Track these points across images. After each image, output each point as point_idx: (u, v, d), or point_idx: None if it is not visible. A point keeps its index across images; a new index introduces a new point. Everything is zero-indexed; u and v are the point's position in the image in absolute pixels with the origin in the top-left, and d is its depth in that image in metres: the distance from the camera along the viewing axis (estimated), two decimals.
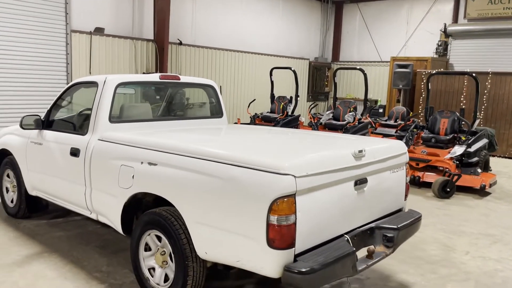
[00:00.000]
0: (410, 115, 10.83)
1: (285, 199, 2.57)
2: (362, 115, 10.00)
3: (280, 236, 2.57)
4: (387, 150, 3.47)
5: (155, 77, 4.38)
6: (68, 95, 4.61)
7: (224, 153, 2.87)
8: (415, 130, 8.96)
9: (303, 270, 2.55)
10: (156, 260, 3.35)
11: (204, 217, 2.92)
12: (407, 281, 3.97)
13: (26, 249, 4.28)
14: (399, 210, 3.75)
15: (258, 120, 11.04)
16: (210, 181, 2.86)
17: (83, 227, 4.94)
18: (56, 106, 4.61)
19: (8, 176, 5.19)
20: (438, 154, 7.75)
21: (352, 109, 9.89)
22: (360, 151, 3.11)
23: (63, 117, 4.58)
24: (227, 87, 14.09)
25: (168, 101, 5.03)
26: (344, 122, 9.71)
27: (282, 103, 11.01)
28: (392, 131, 10.38)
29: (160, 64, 11.62)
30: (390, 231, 3.29)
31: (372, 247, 3.16)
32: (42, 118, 4.53)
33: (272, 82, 11.65)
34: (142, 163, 3.36)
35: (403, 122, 10.23)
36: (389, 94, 15.03)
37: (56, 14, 9.97)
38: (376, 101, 16.62)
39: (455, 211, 6.37)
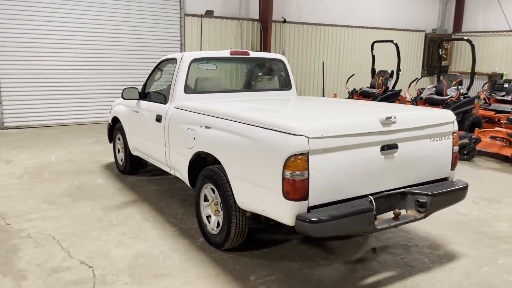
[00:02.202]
0: None
1: (299, 157, 2.91)
2: (468, 89, 9.33)
3: (293, 189, 2.93)
4: (427, 119, 3.51)
5: (226, 53, 4.91)
6: (158, 70, 5.42)
7: (255, 117, 3.30)
8: None
9: (312, 219, 2.88)
10: (211, 209, 3.95)
11: (240, 172, 3.40)
12: (457, 252, 3.96)
13: (125, 197, 5.25)
14: (445, 179, 3.76)
15: (356, 95, 11.01)
16: (245, 141, 3.32)
17: (173, 184, 5.80)
18: (150, 80, 5.46)
19: (119, 139, 6.28)
20: None
21: (455, 83, 9.30)
22: (388, 118, 3.25)
23: (155, 89, 5.40)
24: (330, 63, 14.16)
25: (247, 75, 5.55)
26: (446, 97, 9.21)
27: (381, 78, 10.79)
28: (508, 107, 9.56)
29: (264, 42, 12.22)
30: (423, 196, 3.38)
31: (398, 210, 3.29)
32: (139, 90, 5.42)
33: (373, 56, 11.44)
34: (201, 126, 3.95)
35: None
36: None
37: (172, 0, 11.15)
38: (501, 75, 15.07)
39: None
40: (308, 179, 2.94)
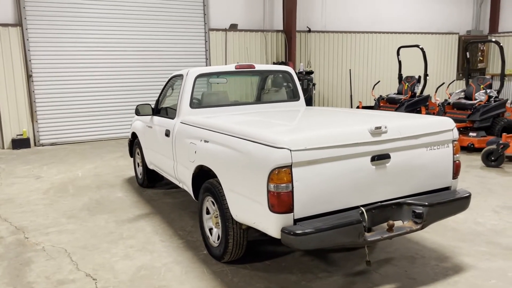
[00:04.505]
0: None
1: (283, 169, 2.92)
2: (498, 92, 8.95)
3: (278, 201, 2.94)
4: (422, 127, 3.43)
5: (231, 67, 5.00)
6: (169, 86, 5.58)
7: (242, 130, 3.36)
8: None
9: (297, 232, 2.88)
10: (212, 222, 4.01)
11: (233, 185, 3.45)
12: (466, 264, 3.81)
13: (139, 210, 5.42)
14: (446, 189, 3.64)
15: (382, 102, 10.82)
16: (235, 154, 3.37)
17: (187, 196, 5.90)
18: (162, 95, 5.64)
19: (138, 153, 6.50)
20: None
21: (483, 86, 8.95)
22: (378, 128, 3.21)
23: (166, 105, 5.56)
24: (358, 70, 13.99)
25: (254, 88, 5.60)
26: (475, 101, 8.88)
27: (407, 84, 10.54)
28: None
29: (289, 53, 12.27)
30: (419, 207, 3.30)
31: (392, 221, 3.22)
32: (152, 106, 5.60)
33: (399, 62, 11.22)
34: (201, 140, 4.04)
35: None
36: None
37: (196, 16, 11.47)
38: None
39: None
40: (292, 191, 2.94)
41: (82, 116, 10.58)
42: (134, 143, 6.58)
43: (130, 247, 4.32)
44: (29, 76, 9.89)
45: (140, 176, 6.47)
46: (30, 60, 9.86)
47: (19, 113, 9.95)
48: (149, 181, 6.27)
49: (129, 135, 6.67)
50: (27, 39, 9.77)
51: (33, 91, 9.99)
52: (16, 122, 9.95)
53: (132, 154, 6.77)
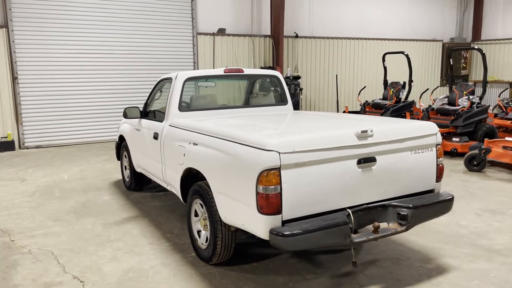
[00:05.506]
0: None
1: (272, 172, 2.97)
2: (480, 98, 9.15)
3: (267, 203, 2.99)
4: (406, 131, 3.52)
5: (220, 71, 5.05)
6: (158, 89, 5.60)
7: (232, 133, 3.40)
8: None
9: (285, 233, 2.93)
10: (200, 224, 4.03)
11: (222, 187, 3.49)
12: (449, 265, 3.90)
13: (127, 213, 5.41)
14: (431, 191, 3.73)
15: (368, 107, 10.96)
16: (224, 157, 3.41)
17: (175, 199, 5.92)
18: (150, 98, 5.65)
19: (125, 156, 6.48)
20: None
21: (466, 93, 9.15)
22: (364, 132, 3.28)
23: (154, 108, 5.57)
24: (344, 76, 14.17)
25: (242, 92, 5.66)
26: (458, 107, 9.06)
27: (392, 89, 10.72)
28: None
29: (276, 58, 12.35)
30: (403, 209, 3.38)
31: (377, 223, 3.29)
32: (140, 109, 5.60)
33: (385, 68, 11.40)
34: (190, 143, 4.07)
35: None
36: None
37: (185, 20, 11.49)
38: None
39: None
40: (281, 193, 2.99)
41: (68, 119, 10.50)
42: (121, 146, 6.56)
43: (117, 250, 4.32)
44: (14, 78, 9.79)
45: (127, 179, 6.46)
46: (15, 62, 9.76)
47: (3, 115, 9.83)
48: (137, 184, 6.26)
49: (116, 138, 6.65)
50: (13, 41, 9.67)
51: (19, 93, 9.88)
52: (0, 124, 9.82)
53: (119, 157, 6.75)
